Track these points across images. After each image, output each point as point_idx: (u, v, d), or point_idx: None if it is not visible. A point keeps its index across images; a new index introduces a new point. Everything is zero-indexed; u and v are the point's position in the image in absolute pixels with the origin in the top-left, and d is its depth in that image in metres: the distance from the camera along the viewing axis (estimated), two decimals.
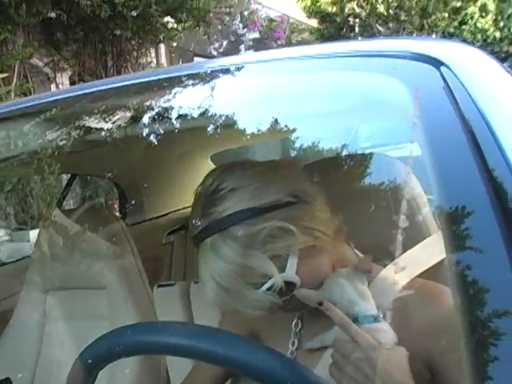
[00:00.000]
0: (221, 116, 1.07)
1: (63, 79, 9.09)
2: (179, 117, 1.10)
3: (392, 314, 0.93)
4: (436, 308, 0.94)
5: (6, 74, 5.96)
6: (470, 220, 0.67)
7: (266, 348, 0.78)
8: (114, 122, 1.22)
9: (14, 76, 7.60)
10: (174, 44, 11.55)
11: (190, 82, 1.06)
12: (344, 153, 1.10)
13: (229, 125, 1.09)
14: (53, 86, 8.89)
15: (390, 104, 0.84)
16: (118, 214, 3.17)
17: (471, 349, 0.61)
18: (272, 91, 1.02)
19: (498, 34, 11.71)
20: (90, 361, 0.88)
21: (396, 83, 0.78)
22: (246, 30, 16.17)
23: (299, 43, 17.89)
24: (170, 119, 1.12)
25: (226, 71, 1.07)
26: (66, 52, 8.82)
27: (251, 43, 17.44)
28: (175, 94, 1.12)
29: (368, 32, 13.12)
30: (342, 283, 0.97)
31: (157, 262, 2.72)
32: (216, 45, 17.37)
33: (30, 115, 1.38)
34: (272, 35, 16.46)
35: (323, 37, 13.83)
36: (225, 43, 17.62)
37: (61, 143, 1.37)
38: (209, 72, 1.07)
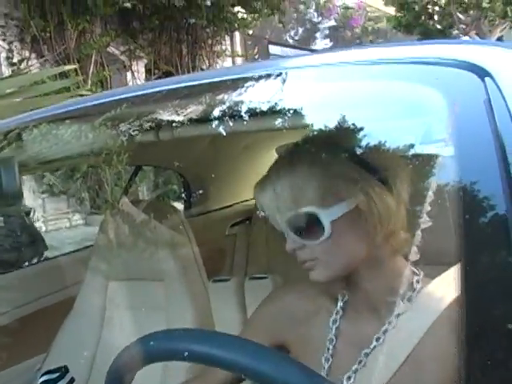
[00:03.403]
0: (286, 112, 1.05)
1: (139, 67, 9.28)
2: (246, 111, 1.09)
3: (436, 329, 0.89)
4: None
5: (74, 66, 6.13)
6: (494, 237, 0.65)
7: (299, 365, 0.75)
8: (180, 117, 1.23)
9: (91, 64, 7.83)
10: (250, 32, 11.59)
11: (258, 80, 1.05)
12: None
13: (293, 120, 1.07)
14: (128, 74, 9.10)
15: (425, 116, 0.79)
16: (182, 204, 3.20)
17: None
18: (316, 97, 1.00)
19: None
20: (130, 359, 0.87)
21: (434, 94, 0.73)
22: (321, 18, 16.02)
23: (375, 32, 17.59)
24: (236, 113, 1.11)
25: (292, 71, 1.05)
26: (141, 40, 9.01)
27: (327, 32, 17.29)
28: (242, 90, 1.11)
29: (447, 20, 12.74)
30: None
31: (219, 253, 2.72)
32: (291, 33, 17.33)
33: (100, 112, 1.40)
34: (348, 23, 16.23)
35: (400, 25, 13.49)
36: (300, 31, 17.54)
37: (129, 136, 1.40)
38: (277, 71, 1.05)
